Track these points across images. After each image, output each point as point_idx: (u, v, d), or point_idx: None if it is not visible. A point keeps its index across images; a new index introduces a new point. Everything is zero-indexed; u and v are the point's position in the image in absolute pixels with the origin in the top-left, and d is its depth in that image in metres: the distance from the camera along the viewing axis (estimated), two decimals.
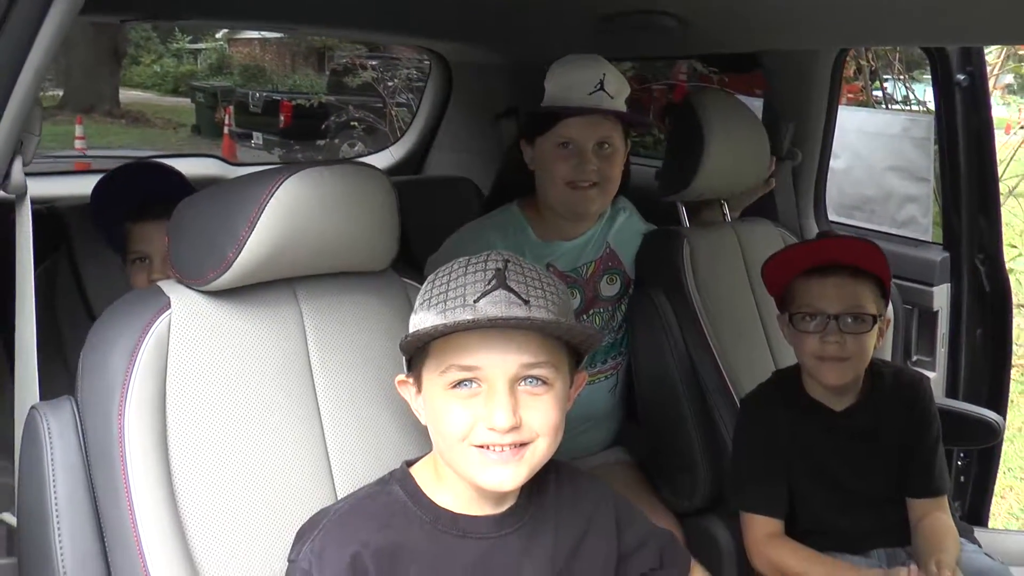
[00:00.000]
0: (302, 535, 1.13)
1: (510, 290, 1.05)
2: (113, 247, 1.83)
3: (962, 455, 2.35)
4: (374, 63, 8.79)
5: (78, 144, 10.33)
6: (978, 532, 1.90)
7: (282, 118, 11.19)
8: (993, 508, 2.64)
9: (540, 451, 1.09)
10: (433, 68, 3.20)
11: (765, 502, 1.72)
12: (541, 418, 1.08)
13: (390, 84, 7.91)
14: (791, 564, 1.68)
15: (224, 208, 1.15)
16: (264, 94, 12.15)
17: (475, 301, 1.05)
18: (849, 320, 1.67)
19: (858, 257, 1.71)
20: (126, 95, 15.38)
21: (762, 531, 1.71)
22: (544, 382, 1.09)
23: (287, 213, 1.13)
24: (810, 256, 1.76)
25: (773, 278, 1.81)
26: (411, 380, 1.15)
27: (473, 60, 3.02)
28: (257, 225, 1.11)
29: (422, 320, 1.09)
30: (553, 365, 1.09)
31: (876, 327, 1.70)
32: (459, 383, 1.07)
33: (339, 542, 1.09)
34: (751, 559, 1.73)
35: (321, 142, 9.45)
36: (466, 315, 1.04)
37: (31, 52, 1.01)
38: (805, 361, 1.74)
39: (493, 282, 1.06)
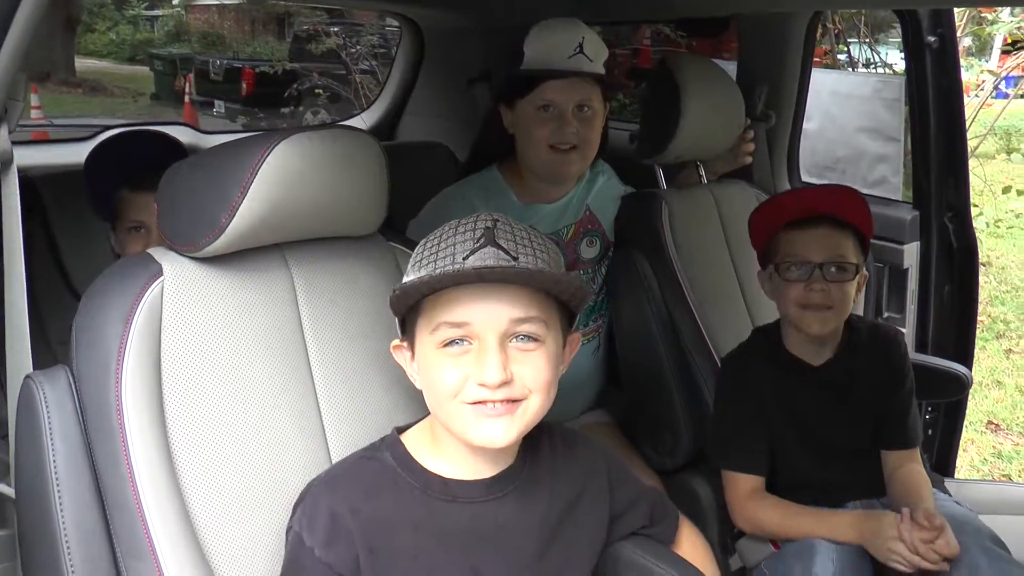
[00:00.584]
0: (297, 504, 1.15)
1: (499, 247, 1.06)
2: (101, 215, 1.80)
3: (929, 408, 2.41)
4: (336, 30, 8.68)
5: (34, 114, 10.11)
6: (947, 483, 1.96)
7: (244, 86, 11.02)
8: (957, 461, 2.72)
9: (533, 408, 1.10)
10: (404, 33, 3.17)
11: (746, 460, 1.76)
12: (532, 374, 1.08)
13: (353, 51, 7.83)
14: (774, 520, 1.72)
15: (215, 174, 1.14)
16: (225, 61, 11.93)
17: (464, 259, 1.05)
18: (833, 269, 1.72)
19: (841, 206, 1.75)
20: (82, 64, 15.02)
21: (744, 488, 1.75)
22: (535, 339, 1.09)
23: (279, 178, 1.13)
24: (796, 204, 1.80)
25: (758, 229, 1.84)
26: (405, 344, 1.16)
27: (445, 25, 3.00)
28: (250, 190, 1.11)
29: (411, 279, 1.09)
30: (543, 321, 1.10)
31: (858, 278, 1.74)
32: (450, 342, 1.08)
33: (323, 502, 1.11)
34: (734, 517, 1.77)
35: (285, 110, 9.34)
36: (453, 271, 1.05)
37: (14, 18, 1.00)
38: (788, 311, 1.78)
39: (482, 240, 1.06)
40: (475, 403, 1.08)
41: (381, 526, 1.11)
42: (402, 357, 1.18)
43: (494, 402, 1.07)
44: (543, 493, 1.19)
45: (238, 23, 17.77)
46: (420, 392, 1.17)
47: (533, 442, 1.20)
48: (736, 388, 1.82)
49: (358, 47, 7.83)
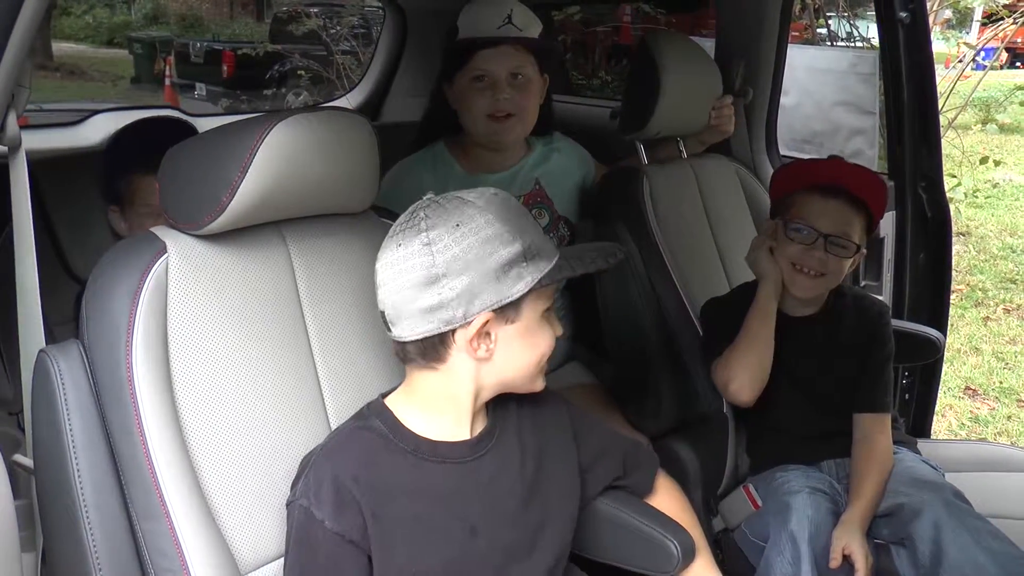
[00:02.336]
0: (297, 477, 1.20)
1: None
2: (108, 197, 1.82)
3: (906, 373, 2.48)
4: (316, 10, 8.63)
5: None
6: (921, 443, 2.04)
7: (225, 68, 10.96)
8: (935, 426, 2.80)
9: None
10: (388, 15, 3.20)
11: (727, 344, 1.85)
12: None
13: (333, 32, 7.80)
14: (735, 356, 1.83)
15: (215, 155, 1.19)
16: (206, 44, 11.86)
17: None
18: (835, 243, 1.80)
19: (865, 187, 1.83)
20: (58, 47, 14.85)
21: (727, 358, 1.84)
22: None
23: (277, 158, 1.18)
24: (823, 170, 1.88)
25: (780, 184, 1.93)
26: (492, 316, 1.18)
27: (428, 6, 3.04)
28: (249, 170, 1.16)
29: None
30: None
31: (856, 256, 1.83)
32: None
33: (327, 475, 1.16)
34: (728, 386, 1.84)
35: (267, 91, 9.29)
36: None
37: (23, 6, 1.04)
38: (782, 266, 1.85)
39: None
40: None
41: (381, 492, 1.16)
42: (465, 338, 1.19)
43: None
44: (515, 448, 1.26)
45: (216, 5, 17.62)
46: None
47: (502, 401, 1.27)
48: (722, 317, 1.91)
49: (338, 28, 7.80)
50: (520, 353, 1.20)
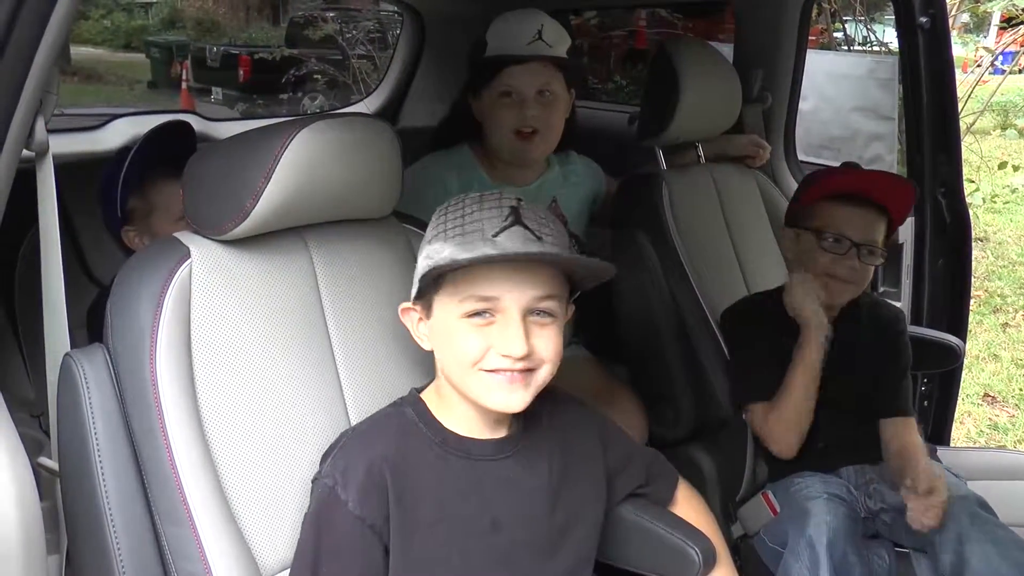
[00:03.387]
0: (325, 456, 1.21)
1: (526, 227, 1.12)
2: (122, 219, 1.81)
3: (925, 380, 2.47)
4: (332, 15, 8.68)
5: None
6: (940, 451, 2.03)
7: (241, 72, 11.02)
8: (954, 433, 2.78)
9: (543, 376, 1.18)
10: (405, 20, 3.21)
11: (766, 390, 1.84)
12: (548, 346, 1.17)
13: (349, 36, 7.84)
14: (777, 415, 1.81)
15: (240, 161, 1.20)
16: (222, 48, 11.92)
17: (494, 236, 1.12)
18: (867, 251, 1.81)
19: (892, 195, 1.84)
20: (76, 51, 14.92)
21: (766, 413, 1.83)
22: (551, 314, 1.17)
23: (301, 163, 1.19)
24: (847, 181, 1.89)
25: (806, 192, 1.93)
26: (417, 308, 1.23)
27: (446, 11, 3.05)
28: (273, 176, 1.17)
29: (439, 250, 1.14)
30: (559, 298, 1.18)
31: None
32: (475, 313, 1.15)
33: (359, 456, 1.17)
34: (769, 444, 1.84)
35: (283, 96, 9.34)
36: (488, 249, 1.10)
37: (52, 14, 1.05)
38: (814, 273, 1.86)
39: (510, 219, 1.13)
40: (493, 371, 1.15)
41: (408, 476, 1.17)
42: (410, 320, 1.25)
43: (512, 371, 1.15)
44: (543, 454, 1.27)
45: (233, 9, 17.71)
46: (429, 357, 1.24)
47: (531, 405, 1.26)
48: (745, 333, 1.92)
49: (354, 32, 7.84)
50: (443, 353, 1.21)
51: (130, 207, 1.79)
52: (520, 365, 1.15)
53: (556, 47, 2.03)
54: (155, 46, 14.04)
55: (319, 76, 8.43)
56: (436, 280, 1.17)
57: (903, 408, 1.87)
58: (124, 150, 1.85)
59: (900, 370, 1.90)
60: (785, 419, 1.81)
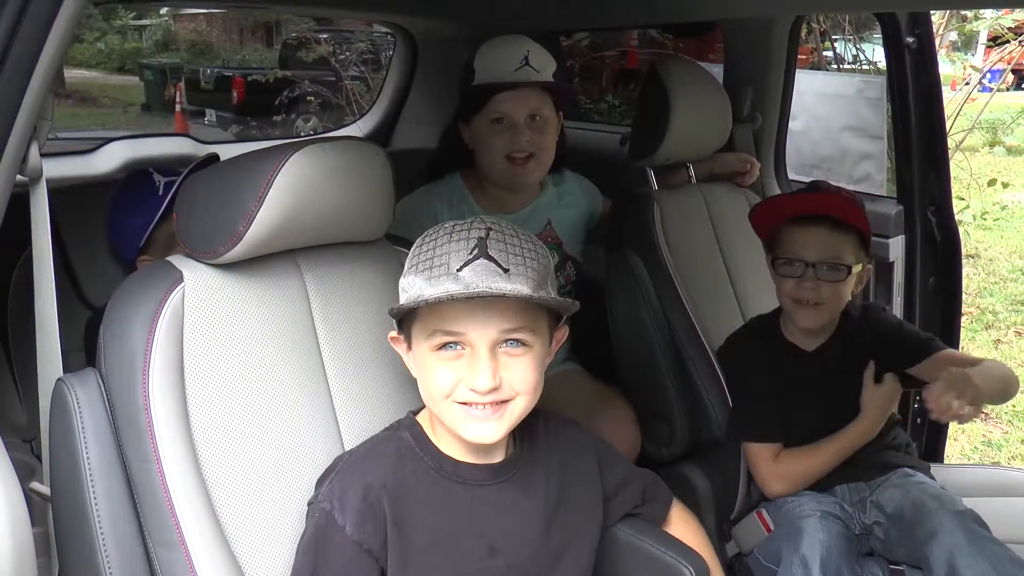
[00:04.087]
0: (322, 480, 1.21)
1: (491, 259, 1.12)
2: (140, 249, 1.77)
3: (918, 397, 2.47)
4: (325, 37, 8.72)
5: None
6: (934, 468, 2.03)
7: (235, 94, 11.03)
8: (948, 450, 2.78)
9: (519, 408, 1.18)
10: (398, 42, 3.23)
11: (764, 431, 1.85)
12: (520, 378, 1.17)
13: (342, 57, 7.87)
14: (798, 469, 1.82)
15: (232, 185, 1.21)
16: (216, 70, 11.95)
17: (458, 269, 1.11)
18: (825, 269, 1.80)
19: (838, 209, 1.82)
20: (71, 74, 14.96)
21: (768, 456, 1.84)
22: (523, 344, 1.17)
23: (294, 187, 1.19)
24: (795, 205, 1.89)
25: (760, 223, 1.93)
26: (402, 337, 1.23)
27: (438, 33, 3.06)
28: (266, 199, 1.18)
29: (410, 284, 1.16)
30: (531, 329, 1.17)
31: (852, 276, 1.82)
32: (444, 345, 1.15)
33: (356, 481, 1.17)
34: (767, 486, 1.85)
35: (277, 117, 9.37)
36: (449, 284, 1.11)
37: (47, 41, 1.06)
38: (784, 303, 1.88)
39: (475, 251, 1.12)
40: (465, 403, 1.16)
41: (405, 501, 1.18)
42: (400, 347, 1.25)
43: (483, 404, 1.15)
44: (540, 477, 1.27)
45: (226, 31, 17.78)
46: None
47: (529, 428, 1.28)
48: (743, 369, 1.92)
49: (347, 54, 7.87)
50: (420, 383, 1.21)
51: (155, 236, 1.77)
52: (489, 398, 1.15)
53: (543, 72, 2.06)
54: (149, 69, 14.07)
55: (312, 98, 8.46)
56: (411, 313, 1.17)
57: (933, 346, 1.86)
58: (139, 175, 1.83)
59: (900, 327, 1.92)
60: (805, 478, 1.83)
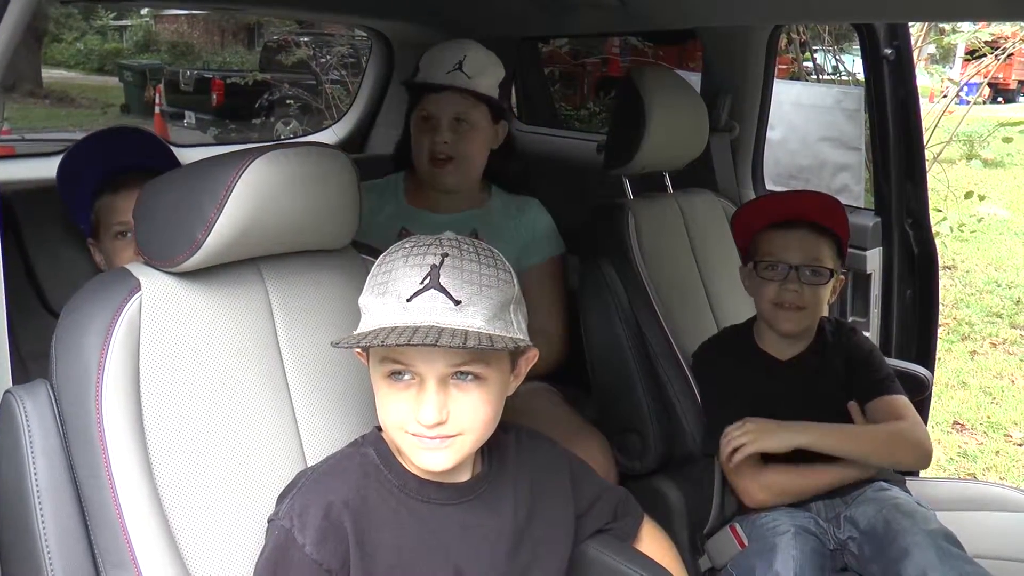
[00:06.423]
0: (283, 496, 1.17)
1: (442, 289, 1.07)
2: (81, 227, 1.76)
3: None
4: (306, 40, 8.68)
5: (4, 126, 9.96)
6: (909, 482, 2.01)
7: (214, 96, 10.95)
8: None
9: (467, 445, 1.14)
10: (374, 46, 3.20)
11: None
12: (468, 416, 1.12)
13: (323, 60, 7.84)
14: (784, 482, 1.80)
15: (191, 191, 1.17)
16: (195, 72, 11.85)
17: (408, 300, 1.07)
18: (808, 272, 1.81)
19: (821, 212, 1.83)
20: (49, 74, 14.83)
21: (748, 464, 1.80)
22: (477, 377, 1.12)
23: (254, 194, 1.16)
24: (778, 207, 1.88)
25: (740, 229, 1.92)
26: (364, 355, 1.20)
27: (414, 39, 3.03)
28: (225, 207, 1.14)
29: (366, 306, 1.12)
30: (484, 361, 1.12)
31: (832, 281, 1.82)
32: (394, 373, 1.12)
33: (318, 498, 1.13)
34: (750, 494, 1.82)
35: (256, 120, 9.31)
36: (397, 316, 1.07)
37: None
38: (764, 308, 1.86)
39: (427, 280, 1.07)
40: (415, 435, 1.12)
41: (368, 518, 1.14)
42: (365, 361, 1.21)
43: (430, 438, 1.11)
44: (509, 494, 1.24)
45: (207, 33, 17.68)
46: None
47: (499, 445, 1.24)
48: (714, 380, 1.90)
49: (328, 57, 7.84)
50: (377, 405, 1.17)
51: (92, 219, 1.72)
52: (434, 432, 1.11)
53: (476, 79, 2.08)
54: (128, 70, 13.93)
55: (292, 101, 8.42)
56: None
57: (887, 388, 1.85)
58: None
59: (868, 358, 1.90)
60: (790, 493, 1.80)
